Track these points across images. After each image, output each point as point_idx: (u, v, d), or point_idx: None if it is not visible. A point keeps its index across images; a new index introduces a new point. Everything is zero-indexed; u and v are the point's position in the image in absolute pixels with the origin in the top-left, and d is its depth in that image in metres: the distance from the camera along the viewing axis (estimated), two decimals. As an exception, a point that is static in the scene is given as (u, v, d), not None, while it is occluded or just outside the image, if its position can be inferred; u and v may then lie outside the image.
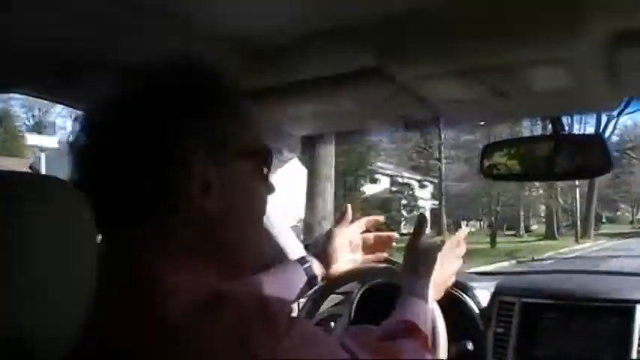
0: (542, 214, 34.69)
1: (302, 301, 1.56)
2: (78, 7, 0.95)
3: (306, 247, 1.78)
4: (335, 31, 1.08)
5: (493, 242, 27.67)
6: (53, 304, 0.63)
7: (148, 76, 0.82)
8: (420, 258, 1.30)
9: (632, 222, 46.76)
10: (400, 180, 36.02)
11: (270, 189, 0.92)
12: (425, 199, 35.26)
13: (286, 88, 1.31)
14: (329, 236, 1.48)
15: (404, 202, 32.64)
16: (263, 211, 0.91)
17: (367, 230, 1.54)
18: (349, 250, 1.50)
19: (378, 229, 1.57)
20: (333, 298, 1.87)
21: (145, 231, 0.77)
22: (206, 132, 0.79)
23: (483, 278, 2.03)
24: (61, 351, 0.65)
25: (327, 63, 1.21)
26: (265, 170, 0.89)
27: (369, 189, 33.92)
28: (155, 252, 0.76)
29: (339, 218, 1.53)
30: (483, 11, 0.97)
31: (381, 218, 1.60)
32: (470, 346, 1.74)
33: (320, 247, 1.48)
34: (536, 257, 18.21)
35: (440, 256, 1.30)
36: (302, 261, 1.44)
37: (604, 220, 46.88)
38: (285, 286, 1.37)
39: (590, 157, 1.47)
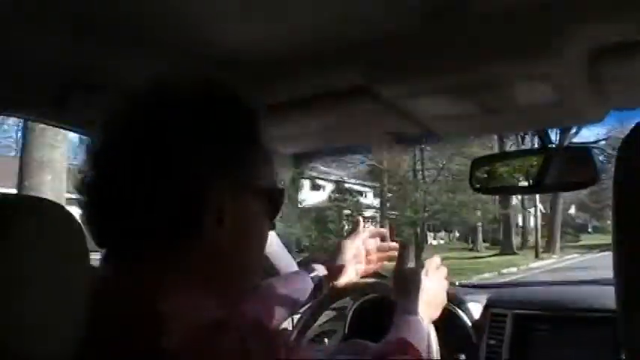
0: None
1: (296, 317, 1.56)
2: (76, 30, 0.95)
3: (303, 264, 1.79)
4: (322, 50, 1.09)
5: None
6: (41, 326, 0.63)
7: (172, 103, 0.80)
8: (407, 281, 1.32)
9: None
10: (346, 186, 30.87)
11: (273, 226, 0.93)
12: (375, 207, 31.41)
13: (274, 107, 1.31)
14: (340, 248, 1.50)
15: (347, 211, 27.08)
16: (265, 245, 0.92)
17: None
18: (356, 261, 1.52)
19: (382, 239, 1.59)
20: (327, 314, 1.87)
21: (153, 257, 0.77)
22: (229, 166, 0.80)
23: (475, 291, 2.04)
24: None
25: (315, 81, 1.22)
26: (274, 209, 0.90)
27: (310, 196, 29.25)
28: (159, 278, 0.75)
29: (351, 230, 1.55)
30: (468, 30, 0.98)
31: (385, 231, 1.61)
32: (463, 358, 1.75)
33: (331, 258, 1.50)
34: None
35: (426, 277, 1.32)
36: (309, 270, 1.45)
37: (590, 229, 45.63)
38: (292, 294, 1.38)
39: (579, 169, 1.49)
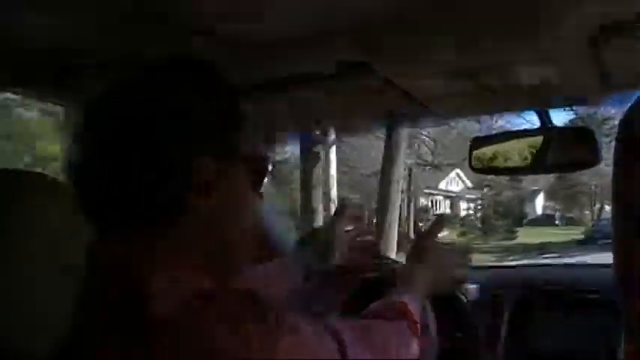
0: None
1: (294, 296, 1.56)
2: (75, 9, 0.95)
3: (302, 241, 1.79)
4: (323, 28, 1.09)
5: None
6: (37, 302, 0.63)
7: (154, 77, 0.81)
8: (428, 255, 1.30)
9: (593, 224, 30.56)
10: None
11: (260, 197, 0.93)
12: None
13: (274, 85, 1.31)
14: (329, 229, 1.49)
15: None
16: (251, 216, 0.91)
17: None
18: (345, 243, 1.50)
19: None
20: (327, 294, 1.87)
21: (141, 232, 0.77)
22: (215, 137, 0.80)
23: (475, 272, 2.04)
24: (47, 351, 0.65)
25: (315, 59, 1.22)
26: (259, 177, 0.90)
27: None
28: (148, 250, 0.76)
29: (339, 211, 1.53)
30: (469, 9, 0.97)
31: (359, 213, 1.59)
32: (462, 339, 1.75)
33: (320, 239, 1.48)
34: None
35: (445, 255, 1.30)
36: (300, 252, 1.45)
37: (557, 222, 38.70)
38: (283, 278, 1.38)
39: (579, 150, 1.48)
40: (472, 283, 1.88)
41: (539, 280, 1.88)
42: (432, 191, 33.43)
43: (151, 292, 0.71)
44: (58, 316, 0.66)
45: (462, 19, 0.99)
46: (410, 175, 24.67)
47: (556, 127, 1.55)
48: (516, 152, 1.59)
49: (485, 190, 33.98)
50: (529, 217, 39.07)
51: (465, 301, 1.84)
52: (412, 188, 26.53)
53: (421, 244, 1.33)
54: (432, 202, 34.16)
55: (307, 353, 0.77)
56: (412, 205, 27.70)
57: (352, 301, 1.89)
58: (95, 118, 0.80)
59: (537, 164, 1.54)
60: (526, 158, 1.57)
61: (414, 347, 1.08)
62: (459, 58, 1.04)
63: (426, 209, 31.23)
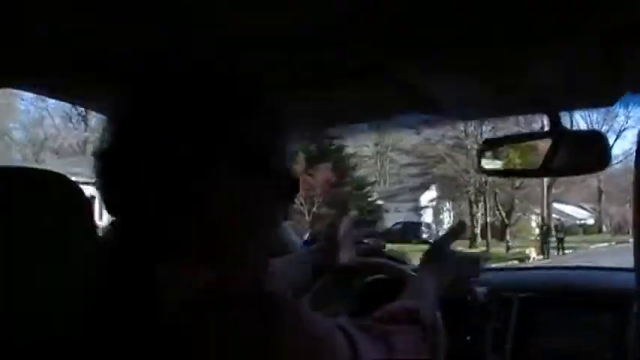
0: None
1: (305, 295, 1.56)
2: (87, 6, 0.95)
3: (307, 242, 1.79)
4: (335, 28, 1.08)
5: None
6: (48, 297, 0.63)
7: (187, 80, 0.81)
8: (444, 260, 1.29)
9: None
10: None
11: (287, 213, 0.94)
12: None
13: (286, 84, 1.31)
14: (336, 228, 1.49)
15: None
16: (273, 229, 0.92)
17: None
18: (352, 243, 1.50)
19: None
20: (335, 293, 1.87)
21: (156, 228, 0.78)
22: (241, 145, 0.80)
23: (482, 274, 2.03)
24: (58, 345, 0.65)
25: (327, 59, 1.22)
26: (284, 193, 0.90)
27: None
28: (161, 251, 0.76)
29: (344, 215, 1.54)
30: (482, 9, 0.97)
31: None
32: (469, 341, 1.75)
33: (326, 239, 1.48)
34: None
35: (459, 263, 1.30)
36: (309, 251, 1.45)
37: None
38: (291, 276, 1.38)
39: (590, 153, 1.47)
40: (480, 285, 1.88)
41: (547, 282, 1.88)
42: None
43: (161, 286, 0.72)
44: (65, 308, 0.66)
45: (475, 18, 0.98)
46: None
47: (566, 130, 1.54)
48: (525, 155, 1.59)
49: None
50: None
51: (474, 303, 1.84)
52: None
53: (436, 250, 1.33)
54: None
55: (317, 349, 0.78)
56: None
57: (359, 302, 1.90)
58: (119, 118, 0.81)
59: (546, 167, 1.53)
60: (535, 161, 1.57)
61: (425, 354, 1.08)
62: (472, 58, 1.03)
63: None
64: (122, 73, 0.86)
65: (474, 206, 29.88)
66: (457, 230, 1.39)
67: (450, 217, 34.00)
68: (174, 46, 1.01)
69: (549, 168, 1.53)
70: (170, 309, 0.71)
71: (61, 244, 0.65)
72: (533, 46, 0.97)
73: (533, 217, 33.24)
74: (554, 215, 33.42)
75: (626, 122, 34.08)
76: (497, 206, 29.30)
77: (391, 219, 29.74)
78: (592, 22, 0.92)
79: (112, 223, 0.81)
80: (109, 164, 0.79)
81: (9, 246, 0.61)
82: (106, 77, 0.90)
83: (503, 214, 29.32)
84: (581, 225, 40.35)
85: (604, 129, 27.16)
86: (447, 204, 34.40)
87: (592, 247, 29.58)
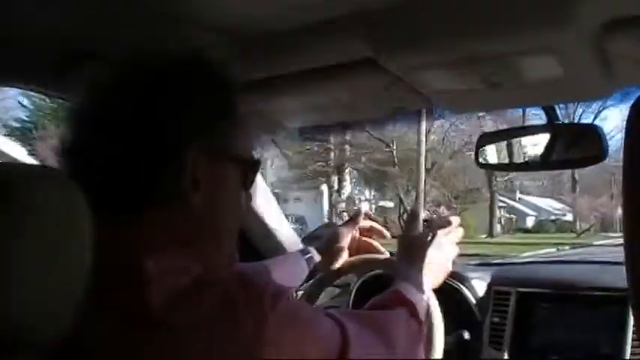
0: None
1: (299, 293, 1.56)
2: (77, 2, 0.95)
3: (305, 240, 1.79)
4: (328, 22, 1.08)
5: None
6: (43, 293, 0.63)
7: (154, 70, 0.83)
8: (412, 246, 1.30)
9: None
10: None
11: (249, 197, 0.95)
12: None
13: (279, 80, 1.30)
14: (336, 234, 1.49)
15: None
16: (240, 213, 0.94)
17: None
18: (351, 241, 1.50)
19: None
20: (331, 291, 1.87)
21: (134, 220, 0.79)
22: (206, 134, 0.82)
23: (480, 268, 2.03)
24: (51, 341, 0.65)
25: (321, 54, 1.21)
26: (249, 179, 0.92)
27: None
28: (141, 241, 0.78)
29: (351, 218, 1.53)
30: (475, 2, 0.97)
31: (378, 225, 1.58)
32: (466, 335, 1.75)
33: (325, 243, 1.48)
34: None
35: (434, 242, 1.30)
36: (304, 252, 1.45)
37: None
38: (286, 276, 1.38)
39: (586, 146, 1.47)
40: (477, 279, 1.88)
41: (545, 277, 1.88)
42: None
43: (143, 279, 0.73)
44: (59, 305, 0.66)
45: (468, 11, 0.98)
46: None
47: (563, 124, 1.54)
48: (522, 149, 1.58)
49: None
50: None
51: (470, 297, 1.84)
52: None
53: (404, 236, 1.34)
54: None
55: (302, 332, 0.80)
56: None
57: (357, 298, 1.89)
58: (93, 108, 0.82)
59: (544, 161, 1.53)
60: (532, 155, 1.56)
61: (417, 332, 1.09)
62: (465, 52, 1.03)
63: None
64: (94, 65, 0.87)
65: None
66: (411, 220, 1.39)
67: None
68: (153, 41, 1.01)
69: (547, 161, 1.53)
70: (156, 299, 0.72)
71: (59, 242, 0.65)
72: (527, 37, 0.97)
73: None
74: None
75: (605, 101, 32.36)
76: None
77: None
78: (587, 13, 0.91)
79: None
80: (80, 161, 0.81)
81: (9, 244, 0.61)
82: (95, 70, 0.89)
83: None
84: (553, 221, 33.59)
85: (579, 111, 25.68)
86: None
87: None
